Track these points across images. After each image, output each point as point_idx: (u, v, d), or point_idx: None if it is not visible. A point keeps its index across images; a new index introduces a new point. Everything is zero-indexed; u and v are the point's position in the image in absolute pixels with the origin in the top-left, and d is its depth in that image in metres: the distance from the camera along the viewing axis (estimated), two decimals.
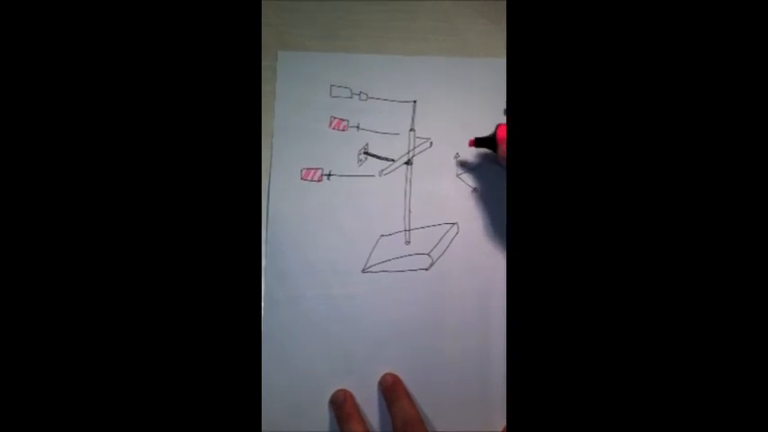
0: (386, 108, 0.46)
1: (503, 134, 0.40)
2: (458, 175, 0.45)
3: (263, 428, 0.39)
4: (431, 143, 0.45)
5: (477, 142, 0.42)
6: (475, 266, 0.43)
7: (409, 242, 0.43)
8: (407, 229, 0.44)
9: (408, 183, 0.44)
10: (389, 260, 0.43)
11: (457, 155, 0.45)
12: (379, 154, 0.45)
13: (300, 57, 0.46)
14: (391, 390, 0.39)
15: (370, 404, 0.40)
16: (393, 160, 0.45)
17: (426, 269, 0.43)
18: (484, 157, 0.44)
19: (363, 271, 0.43)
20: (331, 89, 0.46)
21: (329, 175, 0.44)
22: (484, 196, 0.44)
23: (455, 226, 0.44)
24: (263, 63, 0.44)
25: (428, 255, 0.43)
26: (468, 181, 0.45)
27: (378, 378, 0.41)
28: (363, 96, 0.46)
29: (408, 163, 0.45)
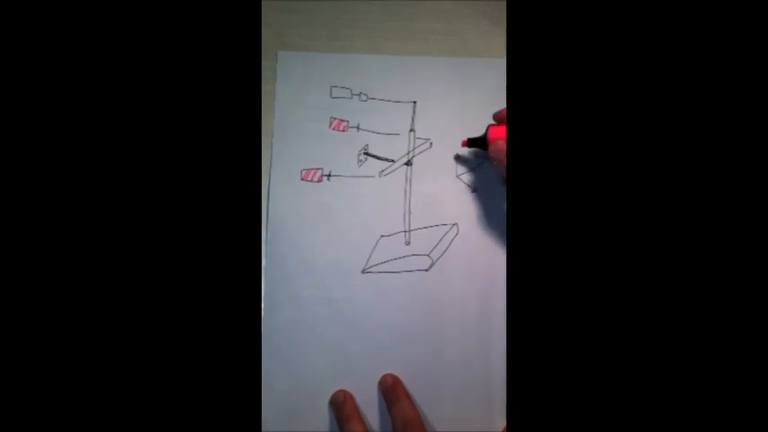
0: (386, 108, 0.46)
1: (492, 135, 0.41)
2: (458, 176, 0.45)
3: (263, 429, 0.39)
4: (431, 144, 0.45)
5: (470, 143, 0.43)
6: (475, 267, 0.43)
7: (409, 243, 0.43)
8: (407, 229, 0.44)
9: (408, 183, 0.44)
10: (389, 261, 0.43)
11: (457, 155, 0.45)
12: (379, 154, 0.45)
13: (300, 57, 0.46)
14: (391, 391, 0.39)
15: (370, 405, 0.40)
16: (393, 161, 0.45)
17: (426, 270, 0.43)
18: (484, 157, 0.45)
19: (363, 272, 0.42)
20: (331, 89, 0.46)
21: (329, 175, 0.44)
22: (484, 197, 0.44)
23: (455, 226, 0.44)
24: (263, 63, 0.44)
25: (428, 255, 0.43)
26: (468, 181, 0.45)
27: (378, 379, 0.41)
28: (363, 97, 0.46)
29: (408, 163, 0.45)
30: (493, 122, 0.42)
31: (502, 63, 0.44)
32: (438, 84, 0.46)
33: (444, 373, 0.41)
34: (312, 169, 0.44)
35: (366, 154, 0.45)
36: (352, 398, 0.40)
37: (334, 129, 0.45)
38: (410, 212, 0.44)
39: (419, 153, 0.45)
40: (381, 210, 0.44)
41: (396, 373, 0.41)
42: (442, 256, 0.43)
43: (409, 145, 0.45)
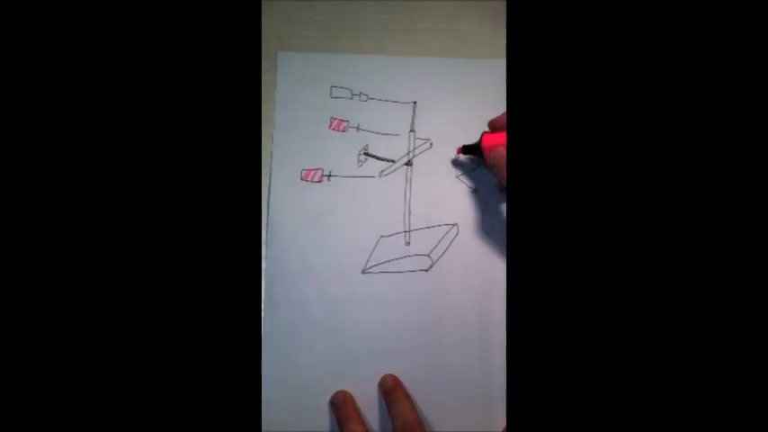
0: (386, 109, 0.46)
1: (487, 142, 0.41)
2: (458, 177, 0.45)
3: (262, 429, 0.39)
4: (431, 144, 0.45)
5: (465, 149, 0.43)
6: (475, 267, 0.43)
7: (409, 243, 0.43)
8: (407, 230, 0.44)
9: (408, 184, 0.44)
10: (389, 261, 0.43)
11: (454, 160, 0.45)
12: (380, 155, 0.45)
13: (301, 57, 0.46)
14: (391, 391, 0.39)
15: (370, 405, 0.40)
16: (393, 161, 0.45)
17: (426, 270, 0.43)
18: (481, 163, 0.44)
19: (363, 272, 0.42)
20: (331, 90, 0.46)
21: (329, 175, 0.44)
22: (484, 197, 0.44)
23: (455, 227, 0.44)
24: (264, 64, 0.44)
25: (428, 256, 0.43)
26: (468, 182, 0.45)
27: (378, 379, 0.41)
28: (363, 97, 0.46)
29: (408, 164, 0.45)
30: (487, 130, 0.42)
31: (502, 63, 0.44)
32: (438, 84, 0.46)
33: (444, 373, 0.41)
34: (312, 169, 0.44)
35: (366, 154, 0.45)
36: (352, 398, 0.40)
37: (334, 129, 0.45)
38: (410, 213, 0.44)
39: (419, 153, 0.45)
40: (381, 210, 0.44)
41: (396, 374, 0.41)
42: (442, 256, 0.43)
43: (409, 145, 0.45)
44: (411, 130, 0.45)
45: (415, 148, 0.45)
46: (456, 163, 0.45)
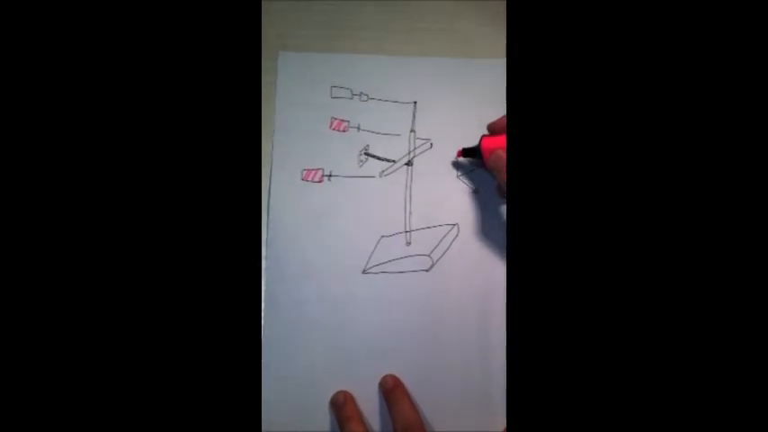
0: (386, 109, 0.46)
1: (486, 145, 0.41)
2: (458, 177, 0.45)
3: (263, 429, 0.39)
4: (431, 144, 0.45)
5: (465, 152, 0.43)
6: (475, 268, 0.43)
7: (410, 243, 0.43)
8: (408, 230, 0.43)
9: (409, 184, 0.44)
10: (390, 261, 0.43)
11: (454, 162, 0.45)
12: (380, 155, 0.45)
13: (301, 57, 0.46)
14: (392, 392, 0.39)
15: (370, 406, 0.40)
16: (393, 161, 0.45)
17: (427, 270, 0.43)
18: (480, 165, 0.44)
19: (364, 272, 0.42)
20: (331, 90, 0.46)
21: (330, 175, 0.44)
22: (484, 198, 0.44)
23: (455, 227, 0.44)
24: (264, 64, 0.44)
25: (428, 256, 0.43)
26: (469, 182, 0.45)
27: (378, 379, 0.41)
28: (364, 97, 0.46)
29: (409, 164, 0.45)
30: (486, 133, 0.42)
31: (502, 63, 0.44)
32: (438, 84, 0.46)
33: (445, 373, 0.41)
34: (313, 169, 0.44)
35: (366, 154, 0.45)
36: (352, 398, 0.40)
37: (334, 129, 0.45)
38: (411, 213, 0.44)
39: (420, 153, 0.45)
40: (382, 210, 0.44)
41: (396, 374, 0.41)
42: (442, 256, 0.43)
43: (410, 145, 0.45)
44: (411, 131, 0.45)
45: (415, 149, 0.45)
46: (456, 163, 0.45)
